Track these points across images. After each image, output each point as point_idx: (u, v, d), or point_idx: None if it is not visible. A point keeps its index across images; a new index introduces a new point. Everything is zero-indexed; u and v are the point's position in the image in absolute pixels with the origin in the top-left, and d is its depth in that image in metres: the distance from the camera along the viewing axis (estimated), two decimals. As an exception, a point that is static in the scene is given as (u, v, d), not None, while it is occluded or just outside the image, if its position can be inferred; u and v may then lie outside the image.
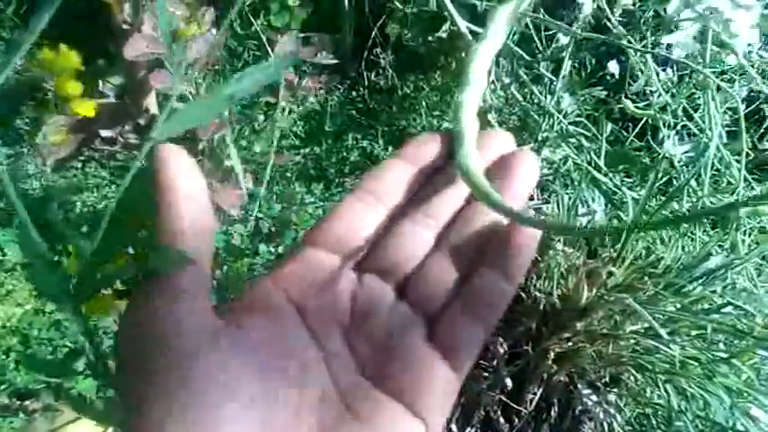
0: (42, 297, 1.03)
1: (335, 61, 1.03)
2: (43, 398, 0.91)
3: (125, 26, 0.81)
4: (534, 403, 0.78)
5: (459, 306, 0.21)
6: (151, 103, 0.96)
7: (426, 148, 0.23)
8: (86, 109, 0.28)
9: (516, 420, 0.78)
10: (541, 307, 0.75)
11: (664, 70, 0.76)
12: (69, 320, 0.32)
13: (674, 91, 0.89)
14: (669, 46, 0.52)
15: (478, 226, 0.21)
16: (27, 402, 0.94)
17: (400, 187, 0.23)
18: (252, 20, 0.90)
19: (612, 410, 0.79)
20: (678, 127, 0.84)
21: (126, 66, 0.91)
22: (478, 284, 0.21)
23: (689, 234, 0.84)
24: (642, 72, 0.90)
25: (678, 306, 0.74)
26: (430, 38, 1.63)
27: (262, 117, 1.40)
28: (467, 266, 0.21)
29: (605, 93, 1.29)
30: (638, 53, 0.83)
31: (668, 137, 0.90)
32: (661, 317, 0.69)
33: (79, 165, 1.40)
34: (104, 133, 0.84)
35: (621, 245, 0.64)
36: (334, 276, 0.21)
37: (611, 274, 0.68)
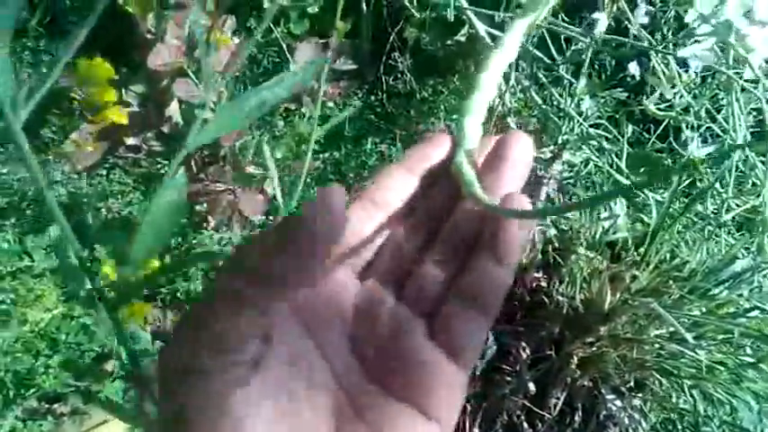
0: (75, 302, 1.05)
1: (355, 67, 1.03)
2: (71, 401, 0.93)
3: (149, 36, 0.83)
4: (558, 408, 0.77)
5: (457, 300, 0.21)
6: (173, 110, 0.98)
7: (431, 151, 0.24)
8: (119, 116, 0.29)
9: (540, 425, 0.78)
10: (564, 311, 0.75)
11: (686, 71, 0.75)
12: (102, 324, 0.33)
13: (697, 92, 0.89)
14: (685, 61, 0.52)
15: (469, 218, 0.22)
16: (55, 406, 0.96)
17: (401, 194, 0.23)
18: (272, 27, 0.91)
19: (637, 416, 0.78)
20: (701, 128, 0.84)
21: (148, 75, 0.93)
22: (472, 275, 0.21)
23: (714, 237, 0.83)
24: (664, 74, 0.89)
25: (704, 310, 0.73)
26: (448, 42, 1.63)
27: (281, 123, 1.41)
28: (461, 260, 0.22)
29: (626, 94, 1.28)
30: (660, 54, 0.83)
31: (691, 139, 0.89)
32: (686, 321, 0.68)
33: (104, 172, 1.43)
34: (129, 141, 0.85)
35: (646, 248, 0.63)
36: (339, 287, 0.21)
37: (635, 277, 0.67)
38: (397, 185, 0.23)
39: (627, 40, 0.76)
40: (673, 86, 0.87)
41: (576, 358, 0.72)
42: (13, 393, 0.89)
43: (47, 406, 0.91)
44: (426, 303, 0.21)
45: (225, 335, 0.17)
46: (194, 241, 1.12)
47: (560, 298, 0.75)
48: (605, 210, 0.87)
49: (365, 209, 0.22)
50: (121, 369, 0.78)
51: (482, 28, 0.90)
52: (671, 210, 0.76)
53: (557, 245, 0.81)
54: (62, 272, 0.31)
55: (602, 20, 0.75)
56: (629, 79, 1.36)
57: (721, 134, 0.82)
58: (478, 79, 0.26)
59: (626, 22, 0.76)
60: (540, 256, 0.80)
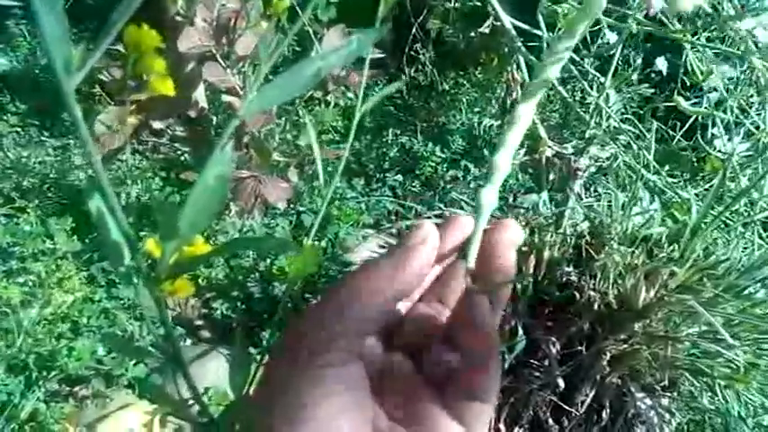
0: (96, 285, 1.05)
1: (381, 55, 1.02)
2: (94, 385, 0.93)
3: (178, 18, 0.82)
4: (585, 405, 0.76)
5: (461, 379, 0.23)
6: (200, 95, 0.97)
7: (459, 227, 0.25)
8: (167, 87, 0.28)
9: (566, 422, 0.77)
10: (596, 307, 0.73)
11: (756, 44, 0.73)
12: (143, 303, 0.32)
13: (731, 87, 0.87)
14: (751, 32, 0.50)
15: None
16: (77, 388, 0.96)
17: (421, 273, 0.24)
18: (299, 12, 0.90)
19: (667, 415, 0.76)
20: (735, 126, 0.82)
21: (175, 58, 0.92)
22: (467, 360, 0.23)
23: (744, 236, 0.81)
24: (701, 71, 0.87)
25: (739, 309, 0.71)
26: (471, 33, 1.61)
27: (302, 112, 1.40)
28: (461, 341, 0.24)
29: (651, 90, 1.26)
30: (694, 48, 0.81)
31: (720, 135, 0.87)
32: (720, 320, 0.66)
33: (124, 157, 1.43)
34: (156, 125, 0.85)
35: (685, 244, 0.62)
36: (369, 350, 0.23)
37: (672, 274, 0.65)
38: (416, 265, 0.24)
39: (663, 32, 0.74)
40: (704, 81, 0.85)
41: (607, 355, 0.70)
42: (36, 375, 0.89)
43: (69, 388, 0.91)
44: (440, 376, 0.23)
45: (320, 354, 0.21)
46: (217, 228, 1.11)
47: (592, 293, 0.74)
48: (637, 205, 0.85)
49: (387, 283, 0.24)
50: (145, 352, 0.77)
51: (507, 20, 0.88)
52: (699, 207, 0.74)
53: (589, 239, 0.80)
54: (104, 247, 0.30)
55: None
56: (653, 75, 1.34)
57: (754, 131, 0.80)
58: (516, 111, 0.25)
59: (660, 16, 0.74)
60: (570, 250, 0.79)
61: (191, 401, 0.39)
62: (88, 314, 1.00)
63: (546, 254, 0.77)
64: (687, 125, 1.00)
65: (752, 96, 0.87)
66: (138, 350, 0.36)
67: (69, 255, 1.12)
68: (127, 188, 1.35)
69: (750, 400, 0.70)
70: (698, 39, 0.84)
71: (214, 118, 1.08)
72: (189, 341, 1.03)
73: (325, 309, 0.22)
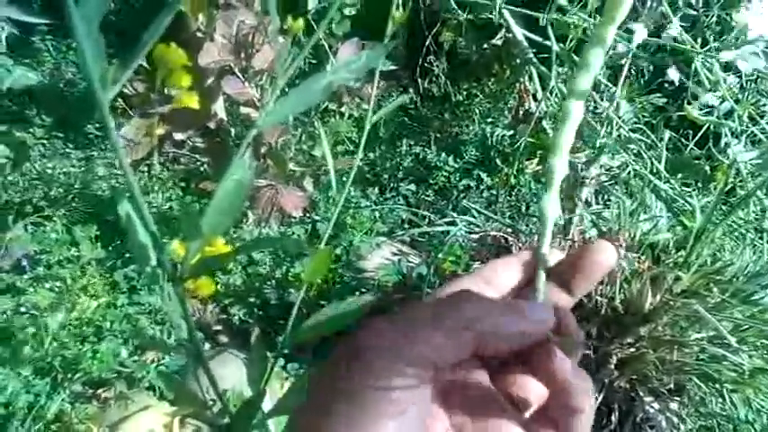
0: (142, 283, 1.08)
1: (394, 68, 1.05)
2: (116, 386, 0.97)
3: (199, 34, 0.86)
4: (594, 409, 0.77)
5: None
6: (219, 107, 1.01)
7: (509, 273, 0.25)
8: (192, 101, 0.30)
9: (575, 425, 0.78)
10: (603, 311, 0.75)
11: (737, 75, 0.74)
12: (169, 302, 0.34)
13: (740, 96, 0.87)
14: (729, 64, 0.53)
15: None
16: (100, 391, 1.00)
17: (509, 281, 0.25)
18: (314, 26, 0.93)
19: (675, 419, 0.77)
20: (742, 134, 0.82)
21: (196, 72, 0.96)
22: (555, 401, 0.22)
23: (753, 242, 0.82)
24: (709, 80, 0.89)
25: (747, 314, 0.72)
26: (484, 45, 1.64)
27: (317, 123, 1.43)
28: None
29: (664, 100, 1.27)
30: (702, 58, 0.82)
31: (732, 144, 0.88)
32: (727, 325, 0.67)
33: (144, 168, 1.47)
34: (177, 136, 0.88)
35: (689, 250, 0.63)
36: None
37: (677, 279, 0.67)
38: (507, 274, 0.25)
39: (667, 43, 0.76)
40: (715, 91, 0.87)
41: (614, 358, 0.71)
42: (61, 377, 0.93)
43: (92, 390, 0.94)
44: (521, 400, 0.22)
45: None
46: (234, 235, 1.15)
47: (599, 298, 0.75)
48: (644, 212, 0.86)
49: (477, 285, 0.24)
50: (168, 348, 0.80)
51: (519, 32, 0.90)
52: (713, 214, 0.75)
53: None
54: (132, 248, 0.32)
55: (639, 31, 0.75)
56: (666, 85, 1.35)
57: (764, 139, 0.81)
58: (566, 106, 0.24)
59: (668, 26, 0.76)
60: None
61: (210, 402, 0.41)
62: (111, 319, 1.03)
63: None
64: (700, 134, 1.01)
65: (764, 105, 0.88)
66: (164, 345, 0.39)
67: (93, 262, 1.16)
68: (149, 198, 1.38)
69: (759, 405, 0.70)
70: (708, 50, 0.85)
71: (232, 129, 1.11)
72: (208, 345, 1.06)
73: (390, 329, 0.21)
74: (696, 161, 1.27)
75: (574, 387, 0.22)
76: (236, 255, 0.28)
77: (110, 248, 1.22)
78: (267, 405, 0.40)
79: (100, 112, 0.27)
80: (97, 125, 1.64)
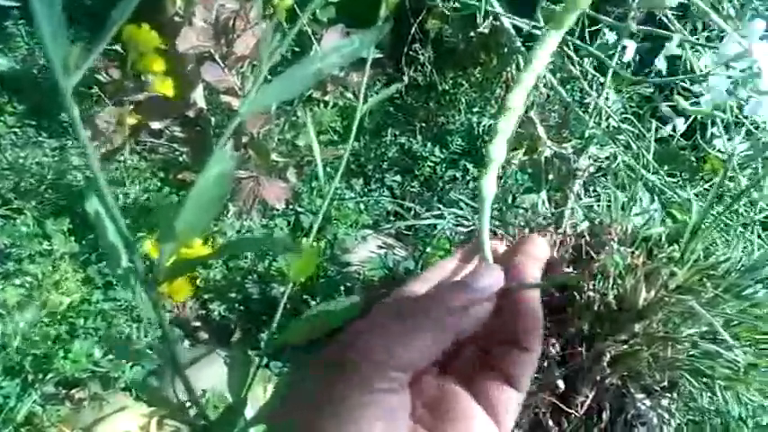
0: (93, 286, 1.04)
1: (380, 55, 1.02)
2: (90, 387, 0.93)
3: (176, 19, 0.82)
4: (586, 406, 0.76)
5: (494, 376, 0.24)
6: (198, 96, 0.97)
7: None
8: (167, 87, 0.27)
9: (566, 423, 0.77)
10: (595, 308, 0.73)
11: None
12: (141, 305, 0.32)
13: (730, 87, 0.86)
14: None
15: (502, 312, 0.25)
16: (73, 391, 0.96)
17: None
18: (298, 12, 0.90)
19: (667, 416, 0.76)
20: (731, 125, 0.81)
21: (174, 58, 0.92)
22: (504, 361, 0.24)
23: (743, 236, 0.81)
24: (699, 68, 0.87)
25: (739, 309, 0.71)
26: (471, 34, 1.61)
27: (301, 112, 1.40)
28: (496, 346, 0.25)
29: (650, 90, 1.26)
30: (693, 47, 0.81)
31: (720, 134, 0.87)
32: (720, 320, 0.66)
33: (121, 157, 1.42)
34: (154, 125, 0.84)
35: (685, 244, 0.62)
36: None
37: (672, 274, 0.65)
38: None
39: (663, 32, 0.74)
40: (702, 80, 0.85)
41: (607, 356, 0.70)
42: (32, 378, 0.89)
43: (65, 391, 0.91)
44: (468, 376, 0.24)
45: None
46: (215, 229, 1.11)
47: (591, 294, 0.73)
48: (637, 205, 0.85)
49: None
50: (143, 355, 0.77)
51: (507, 21, 0.88)
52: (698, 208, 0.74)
53: (588, 239, 0.80)
54: (102, 249, 0.29)
55: (630, 47, 0.73)
56: (653, 75, 1.34)
57: (753, 131, 0.80)
58: (508, 99, 0.26)
59: (659, 15, 0.74)
60: (570, 251, 0.79)
61: (188, 404, 0.38)
62: (85, 316, 0.99)
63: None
64: (687, 125, 1.00)
65: (751, 97, 0.87)
66: (137, 352, 0.36)
67: (66, 256, 1.11)
68: (125, 189, 1.34)
69: (750, 400, 0.70)
70: (697, 38, 0.84)
71: (213, 119, 1.07)
72: (187, 343, 1.03)
73: (378, 337, 0.22)
74: (682, 152, 1.26)
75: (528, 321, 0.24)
76: (216, 256, 0.25)
77: (83, 242, 1.17)
78: (249, 412, 0.38)
79: (63, 101, 0.24)
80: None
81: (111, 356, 0.93)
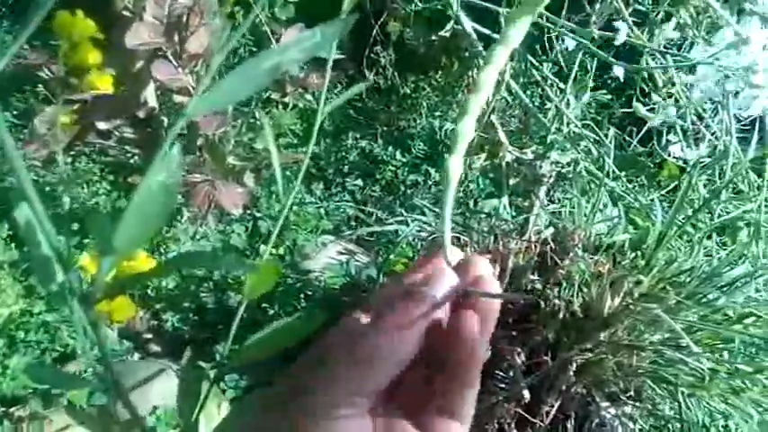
0: (38, 298, 0.98)
1: (341, 56, 0.99)
2: (31, 405, 0.87)
3: (125, 13, 0.77)
4: (551, 416, 0.75)
5: (437, 410, 0.24)
6: (149, 95, 0.92)
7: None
8: (104, 81, 0.24)
9: (531, 433, 0.75)
10: (561, 315, 0.72)
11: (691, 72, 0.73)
12: (74, 323, 0.28)
13: (688, 95, 0.87)
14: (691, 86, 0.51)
15: (446, 341, 0.24)
16: (13, 409, 0.89)
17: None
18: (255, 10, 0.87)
19: (631, 424, 0.76)
20: (687, 132, 0.82)
21: (123, 55, 0.87)
22: (445, 395, 0.24)
23: (699, 242, 0.81)
24: (660, 76, 0.88)
25: (700, 316, 0.71)
26: (432, 37, 1.60)
27: (258, 114, 1.36)
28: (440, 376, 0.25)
29: (608, 96, 1.27)
30: (653, 55, 0.81)
31: (679, 140, 0.88)
32: (681, 327, 0.66)
33: (69, 159, 1.35)
34: (101, 126, 0.79)
35: (652, 252, 0.61)
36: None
37: (638, 282, 0.65)
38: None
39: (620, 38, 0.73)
40: (665, 87, 0.86)
41: (573, 365, 0.69)
42: (-34, 395, 0.82)
43: (4, 409, 0.85)
44: (413, 408, 0.24)
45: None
46: (168, 234, 1.06)
47: (557, 301, 0.73)
48: (599, 212, 0.85)
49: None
50: (86, 371, 0.72)
51: (468, 24, 0.87)
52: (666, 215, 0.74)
53: (553, 245, 0.79)
54: (32, 263, 0.26)
55: (622, 29, 0.72)
56: (610, 81, 1.35)
57: (711, 138, 0.81)
58: (479, 79, 0.26)
59: (619, 21, 0.74)
60: (535, 258, 0.78)
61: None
62: (26, 329, 0.93)
63: (510, 261, 0.75)
64: (643, 131, 1.01)
65: (705, 103, 0.88)
66: (72, 380, 0.33)
67: (5, 265, 1.04)
68: (71, 192, 1.27)
69: (710, 405, 0.70)
70: (659, 45, 0.84)
71: (165, 119, 1.03)
72: (137, 356, 0.98)
73: (335, 368, 0.22)
74: (640, 158, 1.28)
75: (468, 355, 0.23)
76: (161, 273, 0.22)
77: (24, 250, 1.10)
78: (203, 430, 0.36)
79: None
80: (14, 111, 1.50)
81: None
